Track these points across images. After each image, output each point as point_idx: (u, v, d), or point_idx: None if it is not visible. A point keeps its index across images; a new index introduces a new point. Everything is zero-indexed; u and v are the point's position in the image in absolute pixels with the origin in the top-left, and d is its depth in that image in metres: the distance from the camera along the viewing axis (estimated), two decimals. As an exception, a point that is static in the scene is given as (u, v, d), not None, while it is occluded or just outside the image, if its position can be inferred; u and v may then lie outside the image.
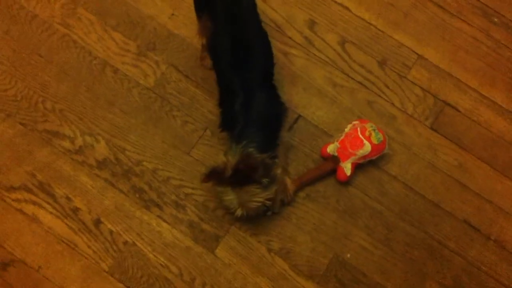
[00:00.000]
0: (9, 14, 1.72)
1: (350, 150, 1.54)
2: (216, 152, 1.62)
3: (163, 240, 1.55)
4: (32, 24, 1.71)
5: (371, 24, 1.79)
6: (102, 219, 1.55)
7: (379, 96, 1.72)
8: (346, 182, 1.59)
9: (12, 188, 1.56)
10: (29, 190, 1.56)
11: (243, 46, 1.45)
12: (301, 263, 1.54)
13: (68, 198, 1.56)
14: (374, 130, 1.56)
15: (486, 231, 1.60)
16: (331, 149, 1.58)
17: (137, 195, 1.58)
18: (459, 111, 1.71)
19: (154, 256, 1.53)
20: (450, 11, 1.82)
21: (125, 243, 1.54)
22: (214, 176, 1.40)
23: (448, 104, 1.72)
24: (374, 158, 1.59)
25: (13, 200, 1.55)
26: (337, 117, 1.69)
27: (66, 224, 1.54)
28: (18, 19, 1.71)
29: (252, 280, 1.53)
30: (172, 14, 1.75)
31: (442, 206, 1.61)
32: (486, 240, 1.59)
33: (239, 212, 1.44)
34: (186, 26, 1.73)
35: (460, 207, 1.61)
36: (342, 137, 1.57)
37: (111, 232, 1.55)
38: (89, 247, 1.53)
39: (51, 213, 1.55)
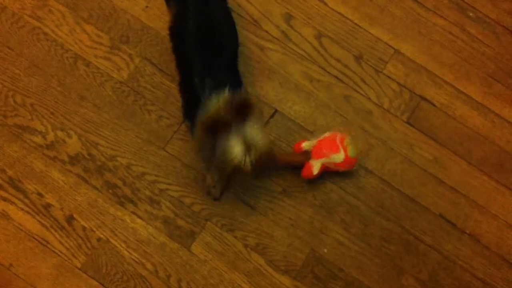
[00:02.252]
0: (-23, 5, 1.67)
1: (325, 151, 1.53)
2: (191, 147, 1.60)
3: (138, 236, 1.52)
4: (1, 16, 1.67)
5: (347, 18, 1.78)
6: (74, 216, 1.52)
7: (356, 90, 1.71)
8: (318, 178, 1.56)
9: (-20, 184, 1.52)
10: (-1, 186, 1.52)
11: (209, 28, 1.42)
12: (277, 258, 1.53)
13: (39, 194, 1.52)
14: (351, 144, 1.54)
15: (462, 225, 1.60)
16: (306, 144, 1.56)
17: (110, 191, 1.55)
18: (435, 105, 1.72)
19: (129, 253, 1.50)
20: (426, 5, 1.83)
21: (99, 239, 1.51)
22: (215, 124, 1.27)
23: (424, 99, 1.72)
24: (340, 170, 1.57)
25: (-18, 196, 1.51)
26: (314, 111, 1.68)
27: (38, 220, 1.51)
28: (-13, 11, 1.67)
29: (228, 276, 1.51)
30: (146, 7, 1.72)
31: (418, 201, 1.62)
32: (462, 234, 1.60)
33: (252, 155, 1.30)
34: (160, 18, 1.70)
35: (436, 201, 1.62)
36: (320, 138, 1.56)
37: (84, 228, 1.51)
38: (61, 244, 1.50)
39: (21, 209, 1.51)
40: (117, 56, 1.66)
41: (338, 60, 1.74)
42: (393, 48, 1.77)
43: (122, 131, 1.60)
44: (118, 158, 1.57)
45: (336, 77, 1.72)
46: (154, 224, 1.53)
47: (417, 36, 1.79)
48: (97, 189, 1.55)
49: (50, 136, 1.57)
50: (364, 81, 1.72)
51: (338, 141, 1.53)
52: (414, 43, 1.78)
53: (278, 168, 1.59)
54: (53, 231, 1.50)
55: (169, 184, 1.57)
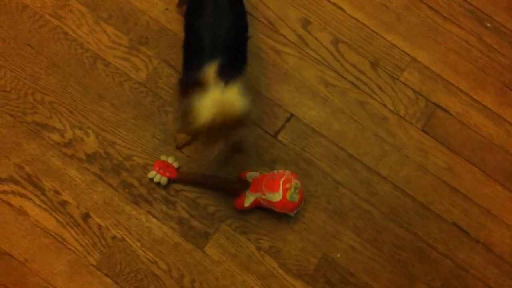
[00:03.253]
0: (-1, 3, 1.69)
1: (263, 187, 1.51)
2: (205, 149, 1.61)
3: (152, 236, 1.53)
4: (23, 15, 1.68)
5: (364, 24, 1.79)
6: (90, 214, 1.54)
7: (371, 97, 1.72)
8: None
9: (-1, 180, 1.54)
10: (17, 182, 1.54)
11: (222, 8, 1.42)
12: (290, 262, 1.54)
13: (56, 192, 1.54)
14: (295, 188, 1.50)
15: (475, 234, 1.61)
16: (250, 175, 1.56)
17: (126, 190, 1.56)
18: (450, 114, 1.72)
19: (143, 251, 1.52)
20: (443, 14, 1.83)
21: (114, 238, 1.52)
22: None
23: (439, 107, 1.73)
24: (276, 210, 1.52)
25: (0, 192, 1.53)
26: (329, 117, 1.69)
27: (54, 217, 1.52)
28: (9, 9, 1.68)
29: (241, 278, 1.52)
30: (166, 9, 1.73)
31: (431, 208, 1.62)
32: (475, 243, 1.60)
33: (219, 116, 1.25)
34: (179, 21, 1.71)
35: (449, 209, 1.62)
36: (266, 173, 1.55)
37: (99, 226, 1.53)
38: (76, 241, 1.51)
39: (38, 206, 1.53)
40: (136, 57, 1.67)
41: (354, 66, 1.75)
42: (409, 56, 1.78)
43: (139, 131, 1.61)
44: (135, 158, 1.59)
45: (352, 83, 1.73)
46: (169, 224, 1.55)
47: (433, 44, 1.80)
48: (113, 187, 1.56)
49: (68, 134, 1.59)
50: (380, 88, 1.73)
51: (281, 182, 1.49)
52: (430, 51, 1.79)
53: (213, 190, 1.59)
54: (69, 228, 1.52)
55: (184, 185, 1.58)
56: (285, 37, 1.76)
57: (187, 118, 1.28)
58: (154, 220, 1.55)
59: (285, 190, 1.48)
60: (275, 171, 1.54)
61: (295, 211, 1.53)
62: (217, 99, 1.23)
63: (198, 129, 1.26)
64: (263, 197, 1.50)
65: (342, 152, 1.65)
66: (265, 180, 1.51)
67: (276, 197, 1.48)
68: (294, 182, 1.50)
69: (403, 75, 1.75)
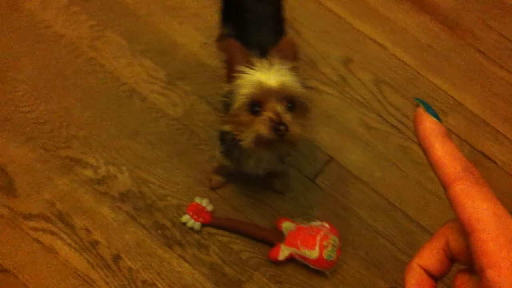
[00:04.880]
0: (35, 32, 1.65)
1: (298, 242, 1.43)
2: (240, 191, 1.56)
3: (183, 281, 1.48)
4: (59, 44, 1.65)
5: (408, 65, 1.74)
6: (121, 255, 1.49)
7: (414, 142, 1.66)
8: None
9: (30, 216, 1.50)
10: (48, 219, 1.50)
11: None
12: (325, 315, 1.49)
13: (87, 230, 1.50)
14: (333, 246, 1.43)
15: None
16: (286, 226, 1.48)
17: (159, 232, 1.51)
18: (495, 163, 1.66)
19: (174, 298, 1.47)
20: (491, 57, 1.77)
21: (144, 282, 1.48)
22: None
23: (485, 155, 1.66)
24: (311, 266, 1.45)
25: (30, 228, 1.49)
26: (370, 162, 1.63)
27: (84, 257, 1.48)
28: (45, 38, 1.65)
29: (274, 329, 1.47)
30: (204, 43, 1.69)
31: (474, 263, 1.55)
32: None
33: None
34: (217, 56, 1.67)
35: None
36: (304, 226, 1.47)
37: (130, 269, 1.48)
38: (106, 283, 1.47)
39: (69, 244, 1.48)
40: (173, 92, 1.63)
41: (397, 109, 1.69)
42: (454, 99, 1.72)
43: (174, 170, 1.57)
44: (169, 198, 1.54)
45: (395, 127, 1.67)
46: (201, 270, 1.50)
47: (480, 88, 1.74)
48: (145, 228, 1.51)
49: (102, 171, 1.55)
50: (422, 133, 1.67)
51: (318, 238, 1.41)
52: (476, 95, 1.73)
53: (246, 236, 1.53)
54: (99, 269, 1.47)
55: (218, 229, 1.53)
56: (326, 75, 1.71)
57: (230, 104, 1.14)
58: (185, 264, 1.50)
59: (322, 248, 1.42)
60: (312, 224, 1.48)
61: (328, 272, 1.47)
62: (259, 77, 1.08)
63: (237, 112, 1.11)
64: (298, 252, 1.44)
65: (383, 200, 1.59)
66: (301, 235, 1.45)
67: (312, 254, 1.42)
68: (332, 239, 1.43)
69: (447, 119, 1.69)
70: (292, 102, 1.10)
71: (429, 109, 0.39)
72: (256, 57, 1.11)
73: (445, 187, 0.36)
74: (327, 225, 1.47)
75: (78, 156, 1.55)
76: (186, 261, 1.50)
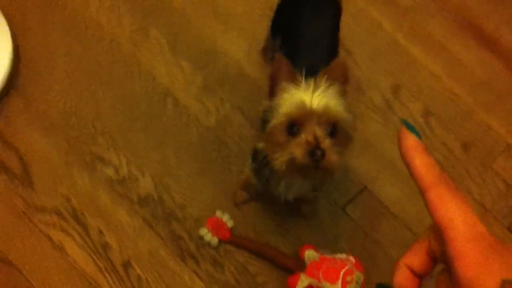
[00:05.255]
0: (74, 21, 1.61)
1: (320, 276, 1.31)
2: (264, 211, 1.47)
3: (194, 298, 1.40)
4: (98, 37, 1.59)
5: (461, 99, 1.62)
6: (132, 262, 1.41)
7: (457, 181, 1.54)
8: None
9: (43, 209, 1.43)
10: (61, 215, 1.43)
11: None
12: None
13: (100, 232, 1.43)
14: (357, 283, 1.31)
15: None
16: (308, 255, 1.37)
17: (174, 243, 1.43)
18: (544, 214, 1.52)
19: (181, 316, 1.38)
20: (551, 102, 1.64)
21: (152, 293, 1.39)
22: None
23: (533, 204, 1.53)
24: None
25: (41, 222, 1.42)
26: (405, 197, 1.51)
27: (93, 259, 1.41)
28: (84, 28, 1.60)
29: None
30: (248, 53, 1.61)
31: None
32: None
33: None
34: (259, 67, 1.59)
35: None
36: (328, 256, 1.36)
37: (139, 278, 1.40)
38: (112, 290, 1.39)
39: (79, 244, 1.41)
40: (208, 99, 1.55)
41: (444, 144, 1.57)
42: (506, 142, 1.59)
43: (199, 180, 1.48)
44: (189, 208, 1.46)
45: (439, 162, 1.54)
46: (213, 289, 1.40)
47: (535, 134, 1.60)
48: (161, 237, 1.43)
49: (123, 171, 1.48)
50: (468, 173, 1.55)
51: (342, 273, 1.29)
52: (530, 139, 1.60)
53: (264, 259, 1.43)
54: (107, 274, 1.40)
55: (235, 247, 1.44)
56: (371, 99, 1.60)
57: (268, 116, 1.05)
58: (198, 281, 1.41)
59: (344, 283, 1.31)
60: (337, 256, 1.37)
61: None
62: (302, 97, 0.99)
63: (273, 130, 1.01)
64: (319, 284, 1.33)
65: (415, 239, 1.47)
66: (324, 266, 1.34)
67: None
68: (357, 275, 1.31)
69: (496, 162, 1.56)
70: (334, 128, 1.00)
71: (412, 129, 0.44)
72: (302, 76, 1.02)
73: (422, 194, 0.41)
74: (352, 259, 1.36)
75: (101, 153, 1.49)
76: (198, 277, 1.41)
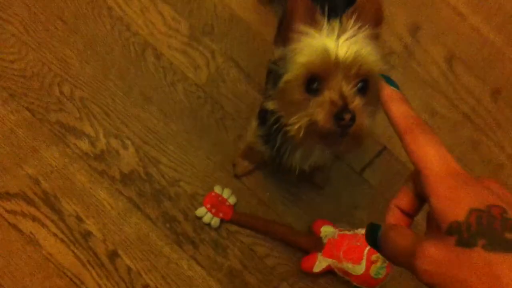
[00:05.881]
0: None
1: (341, 255, 1.14)
2: (270, 182, 1.26)
3: (194, 289, 1.20)
4: (57, -23, 1.30)
5: (488, 39, 1.39)
6: (119, 252, 1.20)
7: (487, 135, 1.34)
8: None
9: (7, 195, 1.20)
10: (29, 201, 1.20)
11: None
12: None
13: (78, 218, 1.20)
14: (383, 261, 1.14)
15: None
16: (325, 231, 1.18)
17: (167, 225, 1.22)
18: None
19: (181, 310, 1.18)
20: None
21: (146, 286, 1.19)
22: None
23: None
24: (353, 283, 1.16)
25: (6, 211, 1.19)
26: (432, 157, 1.31)
27: (73, 251, 1.19)
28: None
29: None
30: (242, -9, 1.34)
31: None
32: None
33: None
34: (255, 9, 1.33)
35: None
36: (348, 233, 1.17)
37: (129, 269, 1.19)
38: (99, 286, 1.18)
39: (54, 234, 1.19)
40: (196, 50, 1.29)
41: (470, 93, 1.36)
42: (540, 86, 1.38)
43: (191, 149, 1.25)
44: (182, 184, 1.24)
45: (465, 115, 1.34)
46: (217, 276, 1.21)
47: None
48: (151, 220, 1.22)
49: (101, 144, 1.23)
50: (499, 125, 1.35)
51: (366, 251, 1.13)
52: None
53: (274, 239, 1.24)
54: (90, 268, 1.18)
55: (240, 226, 1.23)
56: (388, 43, 1.36)
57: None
58: (198, 268, 1.21)
59: (369, 263, 1.13)
60: (359, 231, 1.17)
61: (376, 287, 1.18)
62: (325, 43, 0.74)
63: (287, 87, 0.78)
64: (339, 265, 1.14)
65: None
66: (345, 245, 1.15)
67: (357, 270, 1.13)
68: None
69: (528, 110, 1.37)
70: (365, 83, 0.76)
71: (390, 81, 0.50)
72: (325, 15, 0.77)
73: (401, 139, 0.44)
74: None
75: (72, 122, 1.24)
76: (198, 263, 1.21)
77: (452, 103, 1.35)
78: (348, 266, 1.14)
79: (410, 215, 0.47)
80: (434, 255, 0.37)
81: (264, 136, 1.02)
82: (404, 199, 0.47)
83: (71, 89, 1.25)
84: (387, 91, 0.48)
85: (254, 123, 1.07)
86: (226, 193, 1.22)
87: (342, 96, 0.72)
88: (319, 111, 0.73)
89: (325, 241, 1.17)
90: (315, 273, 1.18)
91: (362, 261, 1.13)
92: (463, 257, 0.36)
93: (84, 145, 1.23)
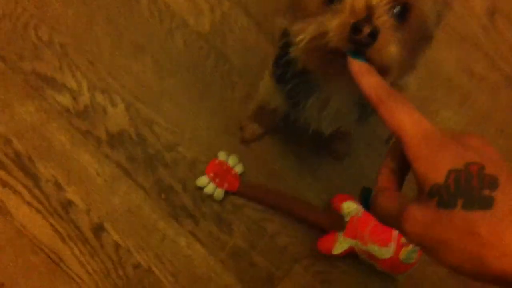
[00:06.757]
0: None
1: (366, 235, 0.98)
2: (283, 149, 1.09)
3: (193, 269, 1.04)
4: None
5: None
6: (105, 226, 1.03)
7: (532, 103, 1.17)
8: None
9: (-27, 157, 1.01)
10: (0, 164, 1.02)
11: None
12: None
13: (57, 185, 1.03)
14: (415, 246, 0.97)
15: None
16: (348, 208, 1.01)
17: (163, 196, 1.05)
18: None
19: (178, 293, 1.02)
20: None
21: (136, 266, 1.03)
22: None
23: None
24: (378, 268, 1.01)
25: (-28, 175, 1.01)
26: (467, 123, 1.15)
27: (51, 224, 1.02)
28: None
29: None
30: None
31: None
32: None
33: None
34: None
35: None
36: None
37: (117, 246, 1.03)
38: (81, 265, 1.02)
39: (28, 203, 1.02)
40: (198, -8, 1.10)
41: (513, 52, 1.19)
42: None
43: (192, 108, 1.08)
44: (180, 148, 1.06)
45: (507, 77, 1.18)
46: (219, 256, 1.05)
47: None
48: (143, 189, 1.05)
49: (85, 98, 1.05)
50: (544, 89, 1.18)
51: (395, 231, 0.97)
52: None
53: (286, 215, 1.07)
54: (71, 243, 1.02)
55: (247, 199, 1.06)
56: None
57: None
58: (198, 246, 1.04)
59: (399, 247, 0.97)
60: None
61: (406, 274, 1.02)
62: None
63: (300, 53, 0.61)
64: (364, 248, 0.98)
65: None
66: (371, 224, 0.98)
67: (384, 253, 0.97)
68: None
69: None
70: (406, 8, 0.57)
71: (356, 55, 0.49)
72: None
73: (376, 111, 0.43)
74: None
75: (51, 73, 1.06)
76: (198, 241, 1.05)
77: (493, 63, 1.18)
78: (374, 248, 0.98)
79: (401, 176, 0.47)
80: (418, 217, 0.39)
81: (278, 77, 0.82)
82: (392, 162, 0.47)
83: (49, 33, 1.06)
84: (355, 66, 0.47)
85: (267, 76, 0.88)
86: (232, 161, 1.04)
87: (368, 6, 0.53)
88: (332, 19, 0.54)
89: (347, 219, 1.01)
90: (334, 255, 1.01)
91: (391, 243, 0.97)
92: (445, 218, 0.37)
93: (65, 99, 1.05)
